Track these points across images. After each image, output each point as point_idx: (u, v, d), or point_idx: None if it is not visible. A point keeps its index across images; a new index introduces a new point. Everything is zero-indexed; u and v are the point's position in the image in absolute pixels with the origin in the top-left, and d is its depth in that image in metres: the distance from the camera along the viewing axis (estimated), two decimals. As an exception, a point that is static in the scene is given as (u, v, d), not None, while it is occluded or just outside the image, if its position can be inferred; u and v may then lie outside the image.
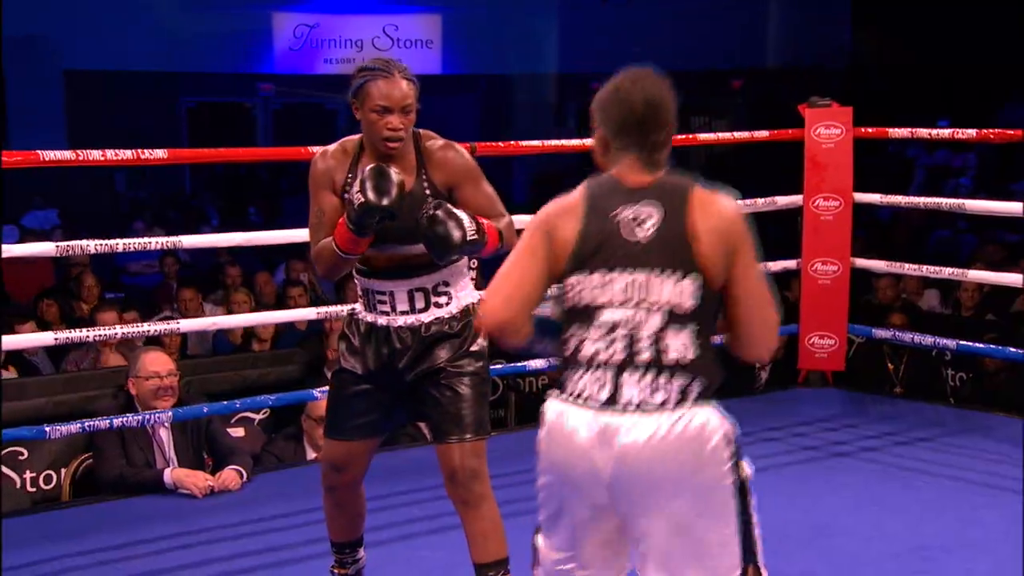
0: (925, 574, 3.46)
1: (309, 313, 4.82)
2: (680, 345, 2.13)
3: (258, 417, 5.14)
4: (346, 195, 2.80)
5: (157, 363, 4.23)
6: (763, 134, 5.42)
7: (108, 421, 3.91)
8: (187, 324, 4.79)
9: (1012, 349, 4.89)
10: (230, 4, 14.72)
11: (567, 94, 16.29)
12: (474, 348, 2.86)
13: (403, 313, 2.84)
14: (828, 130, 5.03)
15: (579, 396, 2.15)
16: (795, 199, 5.16)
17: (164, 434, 4.22)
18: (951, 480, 4.28)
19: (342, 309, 4.38)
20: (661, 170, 2.21)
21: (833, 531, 3.76)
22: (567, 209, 2.19)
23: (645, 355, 2.13)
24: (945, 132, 5.64)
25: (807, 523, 3.82)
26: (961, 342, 4.96)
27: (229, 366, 5.49)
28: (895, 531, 3.78)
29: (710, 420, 2.13)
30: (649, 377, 2.12)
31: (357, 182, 2.70)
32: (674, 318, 2.13)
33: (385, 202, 2.65)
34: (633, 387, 2.12)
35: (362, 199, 2.66)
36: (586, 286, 2.16)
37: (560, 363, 2.21)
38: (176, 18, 14.32)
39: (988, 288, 6.53)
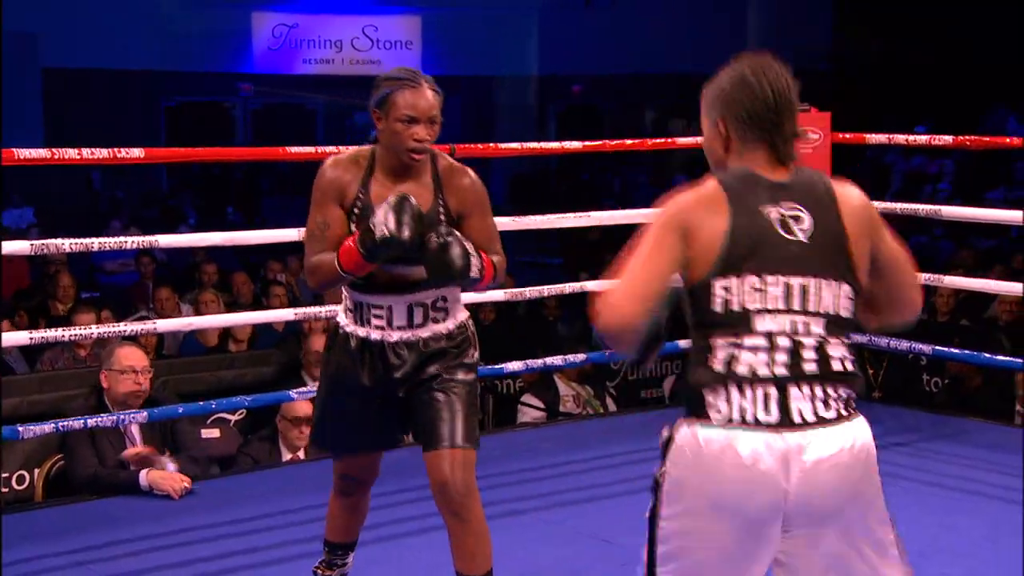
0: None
1: (287, 314, 4.80)
2: (840, 355, 2.00)
3: (234, 418, 5.12)
4: (355, 211, 2.76)
5: (132, 357, 4.20)
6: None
7: (82, 421, 3.88)
8: (163, 324, 4.76)
9: (986, 354, 4.93)
10: (209, 3, 14.67)
11: (548, 96, 16.30)
12: (468, 360, 2.83)
13: (400, 328, 2.79)
14: (807, 135, 5.04)
15: (742, 419, 1.95)
16: (773, 203, 5.17)
17: (135, 430, 4.20)
18: (928, 485, 4.30)
19: (320, 310, 4.36)
20: (794, 163, 2.06)
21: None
22: (707, 203, 2.00)
23: (811, 367, 1.98)
24: (923, 138, 5.67)
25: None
26: (936, 347, 4.98)
27: (205, 367, 5.47)
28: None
29: (867, 430, 2.04)
30: (818, 390, 1.97)
31: (379, 211, 2.65)
32: (834, 326, 2.00)
33: (405, 236, 2.62)
34: (804, 401, 1.96)
35: (385, 232, 2.62)
36: (738, 290, 1.98)
37: (694, 382, 2.01)
38: (155, 17, 14.27)
39: (963, 294, 6.57)
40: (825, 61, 14.23)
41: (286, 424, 4.59)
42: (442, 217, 2.76)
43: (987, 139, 6.16)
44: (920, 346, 5.02)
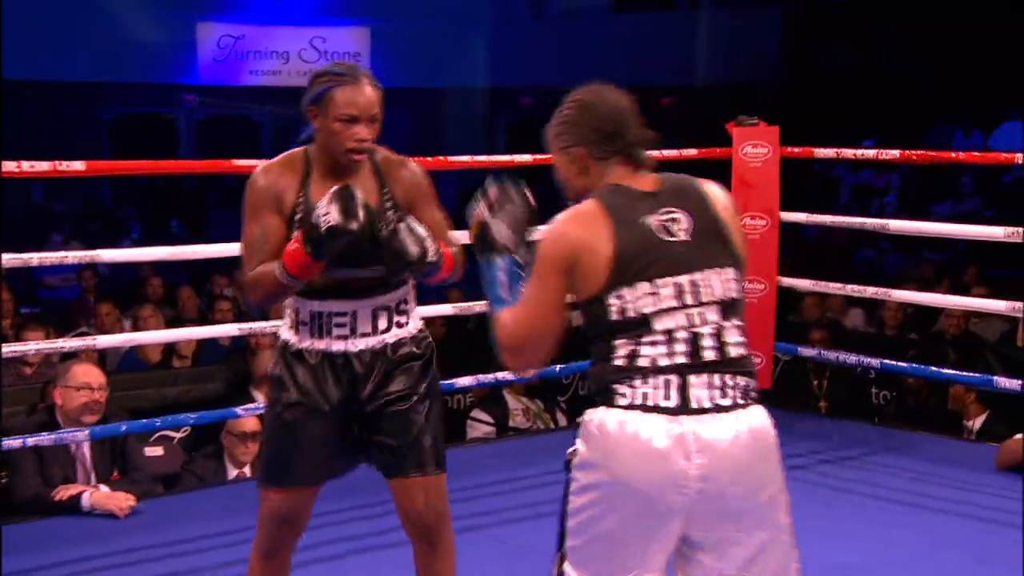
0: (849, 592, 3.51)
1: (230, 329, 4.78)
2: (736, 340, 2.15)
3: (178, 436, 5.08)
4: (296, 217, 2.60)
5: (89, 375, 4.16)
6: (691, 152, 5.50)
7: (21, 440, 3.84)
8: (104, 340, 4.71)
9: (933, 368, 5.01)
10: (154, 14, 14.56)
11: (498, 108, 16.35)
12: (433, 371, 2.72)
13: (364, 335, 2.64)
14: (756, 149, 5.10)
15: (643, 404, 2.09)
16: (723, 217, 5.22)
17: (86, 449, 4.15)
18: (874, 499, 4.35)
19: (266, 325, 4.35)
20: (653, 169, 2.22)
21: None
22: (590, 223, 2.13)
23: (710, 354, 2.12)
24: (870, 152, 5.76)
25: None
26: (885, 360, 5.05)
27: (148, 383, 5.42)
28: (817, 551, 3.83)
29: (765, 417, 2.17)
30: (716, 378, 2.11)
31: (321, 204, 2.49)
32: (727, 311, 2.15)
33: (354, 226, 2.47)
34: (702, 389, 2.10)
35: (330, 222, 2.46)
36: (632, 298, 2.11)
37: (600, 376, 2.14)
38: (98, 26, 14.13)
39: (912, 308, 6.67)
40: (775, 75, 14.40)
41: (232, 440, 4.56)
42: (389, 209, 2.63)
43: (933, 153, 6.27)
44: (869, 360, 5.09)
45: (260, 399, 5.03)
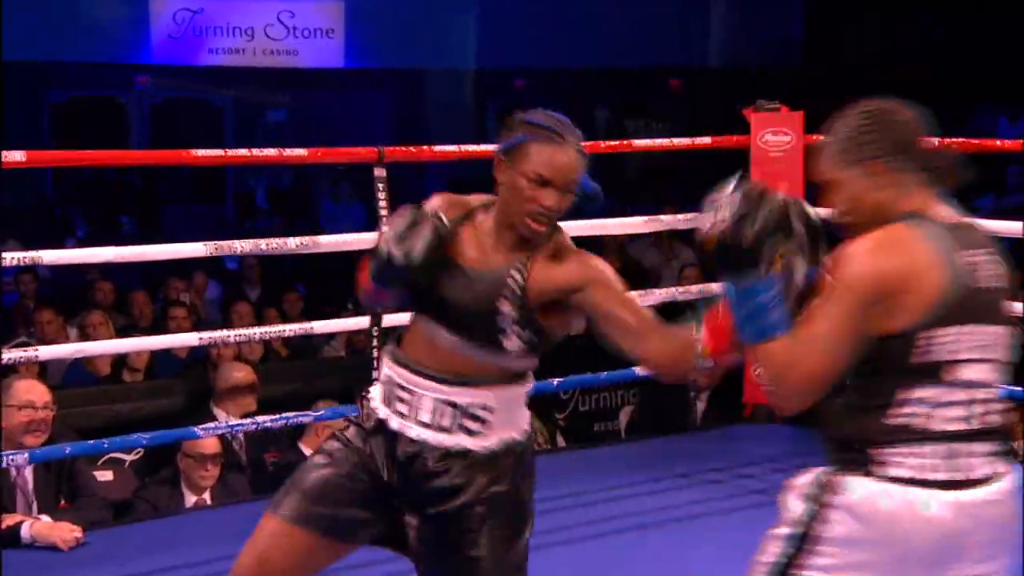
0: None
1: (189, 339, 4.78)
2: (1002, 405, 2.21)
3: (129, 458, 5.07)
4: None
5: (32, 391, 4.17)
6: (705, 140, 5.51)
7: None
8: (47, 351, 4.70)
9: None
10: (102, -15, 14.57)
11: (487, 92, 16.36)
12: (505, 519, 2.52)
13: (423, 425, 2.50)
14: (776, 136, 5.13)
15: (918, 474, 2.12)
16: (740, 214, 5.22)
17: (28, 474, 4.15)
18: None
19: (229, 334, 4.35)
20: (950, 192, 2.24)
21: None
22: (909, 250, 2.12)
23: (990, 418, 2.17)
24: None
25: None
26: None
27: (97, 399, 5.42)
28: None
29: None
30: (988, 446, 2.17)
31: (393, 219, 2.47)
32: (1003, 373, 2.20)
33: (405, 262, 2.40)
34: (978, 458, 2.15)
35: (385, 249, 2.42)
36: (942, 341, 2.12)
37: (862, 431, 2.14)
38: (40, 1, 14.12)
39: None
40: (798, 57, 14.43)
41: (190, 463, 4.56)
42: (518, 289, 2.46)
43: (975, 141, 6.31)
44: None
45: (222, 417, 5.03)
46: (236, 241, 4.40)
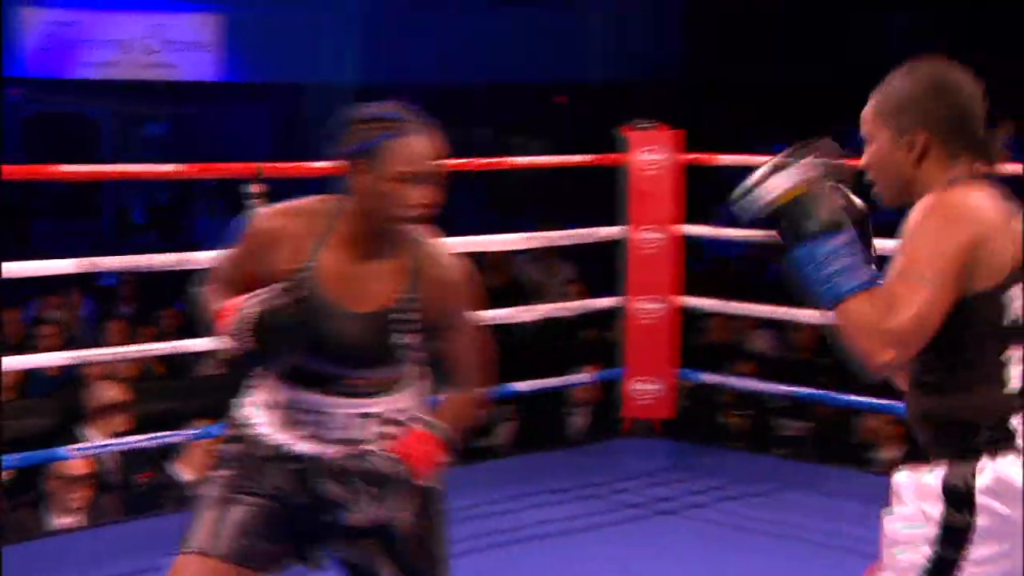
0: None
1: (58, 358, 4.69)
2: None
3: (-2, 480, 4.96)
4: (290, 283, 2.36)
5: None
6: (584, 158, 5.59)
7: None
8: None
9: (845, 396, 5.14)
10: (-31, -5, 14.23)
11: (369, 107, 16.31)
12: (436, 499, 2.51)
13: (338, 442, 2.41)
14: (652, 155, 5.19)
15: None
16: (618, 230, 5.29)
17: None
18: (782, 540, 4.45)
19: (102, 353, 4.29)
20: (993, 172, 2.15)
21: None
22: (992, 203, 2.07)
23: None
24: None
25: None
26: (793, 387, 5.18)
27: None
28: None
29: None
30: None
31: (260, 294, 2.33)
32: None
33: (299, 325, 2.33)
34: None
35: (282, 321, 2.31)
36: (1018, 299, 2.05)
37: (981, 402, 2.05)
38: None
39: (824, 330, 6.84)
40: (677, 71, 14.63)
41: (58, 484, 4.48)
42: (409, 315, 2.40)
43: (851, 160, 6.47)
44: (779, 387, 5.22)
45: (93, 437, 4.95)
46: (107, 258, 4.34)
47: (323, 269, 2.36)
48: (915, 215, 2.06)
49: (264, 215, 2.45)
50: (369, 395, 2.41)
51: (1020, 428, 2.04)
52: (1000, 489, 2.03)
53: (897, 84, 2.15)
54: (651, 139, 5.21)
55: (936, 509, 2.05)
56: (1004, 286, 2.04)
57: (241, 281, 2.40)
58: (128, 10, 15.03)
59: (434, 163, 2.36)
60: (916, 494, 2.08)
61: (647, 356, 5.28)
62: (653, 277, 5.25)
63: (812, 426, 6.10)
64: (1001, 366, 2.05)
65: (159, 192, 15.79)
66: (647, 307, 5.27)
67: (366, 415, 2.41)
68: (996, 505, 2.02)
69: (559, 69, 15.29)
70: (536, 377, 5.27)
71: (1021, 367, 2.05)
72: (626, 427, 5.49)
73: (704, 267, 8.97)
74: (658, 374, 5.29)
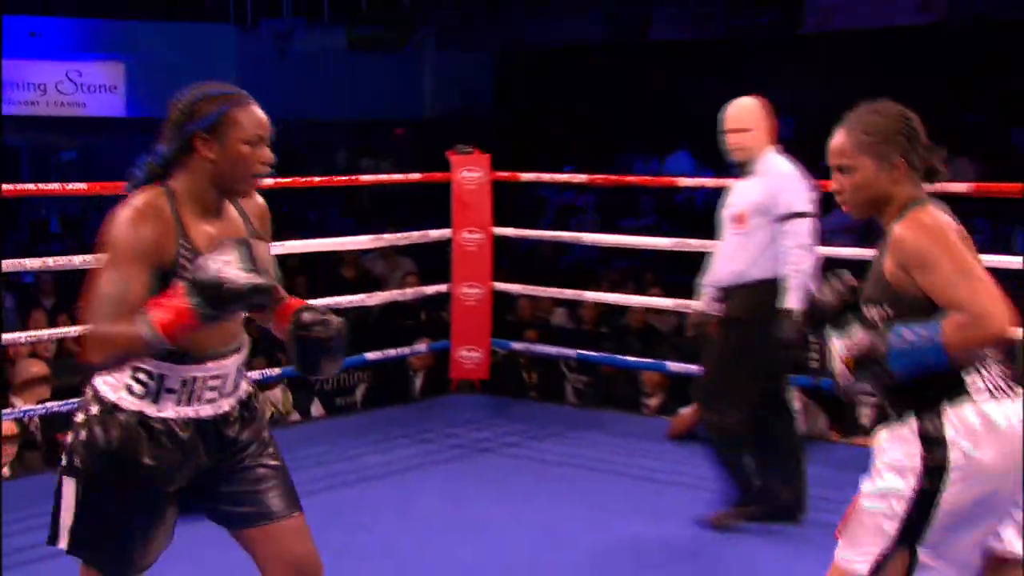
0: (556, 550, 3.64)
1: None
2: None
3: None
4: (180, 267, 2.04)
5: None
6: (415, 176, 5.62)
7: None
8: None
9: (621, 357, 5.28)
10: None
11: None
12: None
13: (229, 394, 2.18)
14: (471, 173, 5.21)
15: (996, 390, 2.06)
16: (445, 232, 5.30)
17: None
18: (575, 468, 4.52)
19: (20, 336, 4.08)
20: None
21: (481, 521, 3.88)
22: (953, 225, 2.10)
23: None
24: (565, 176, 6.03)
25: (459, 515, 3.93)
26: (581, 351, 5.28)
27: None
28: (523, 509, 3.96)
29: None
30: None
31: (213, 259, 1.99)
32: None
33: (263, 281, 2.01)
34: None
35: (242, 282, 1.97)
36: None
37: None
38: None
39: (604, 306, 6.97)
40: (489, 108, 14.70)
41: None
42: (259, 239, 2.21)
43: (615, 177, 6.67)
44: (568, 351, 5.32)
45: (19, 404, 4.72)
46: (28, 259, 4.17)
47: (198, 244, 2.08)
48: (909, 239, 2.06)
49: (125, 230, 2.04)
50: (240, 346, 2.22)
51: (972, 378, 2.06)
52: (964, 428, 2.03)
53: (873, 120, 2.13)
54: (470, 161, 5.22)
55: (916, 452, 2.04)
56: None
57: (140, 299, 2.02)
58: (45, 59, 14.39)
59: (269, 125, 2.14)
60: (898, 443, 2.07)
61: (469, 330, 5.29)
62: (473, 268, 5.26)
63: (594, 380, 6.19)
64: None
65: (73, 207, 15.16)
66: (469, 292, 5.28)
67: (241, 364, 2.23)
68: (963, 443, 2.02)
69: (398, 107, 15.23)
70: (384, 348, 5.23)
71: None
72: (454, 387, 5.49)
73: (513, 260, 9.03)
74: (478, 344, 5.30)
